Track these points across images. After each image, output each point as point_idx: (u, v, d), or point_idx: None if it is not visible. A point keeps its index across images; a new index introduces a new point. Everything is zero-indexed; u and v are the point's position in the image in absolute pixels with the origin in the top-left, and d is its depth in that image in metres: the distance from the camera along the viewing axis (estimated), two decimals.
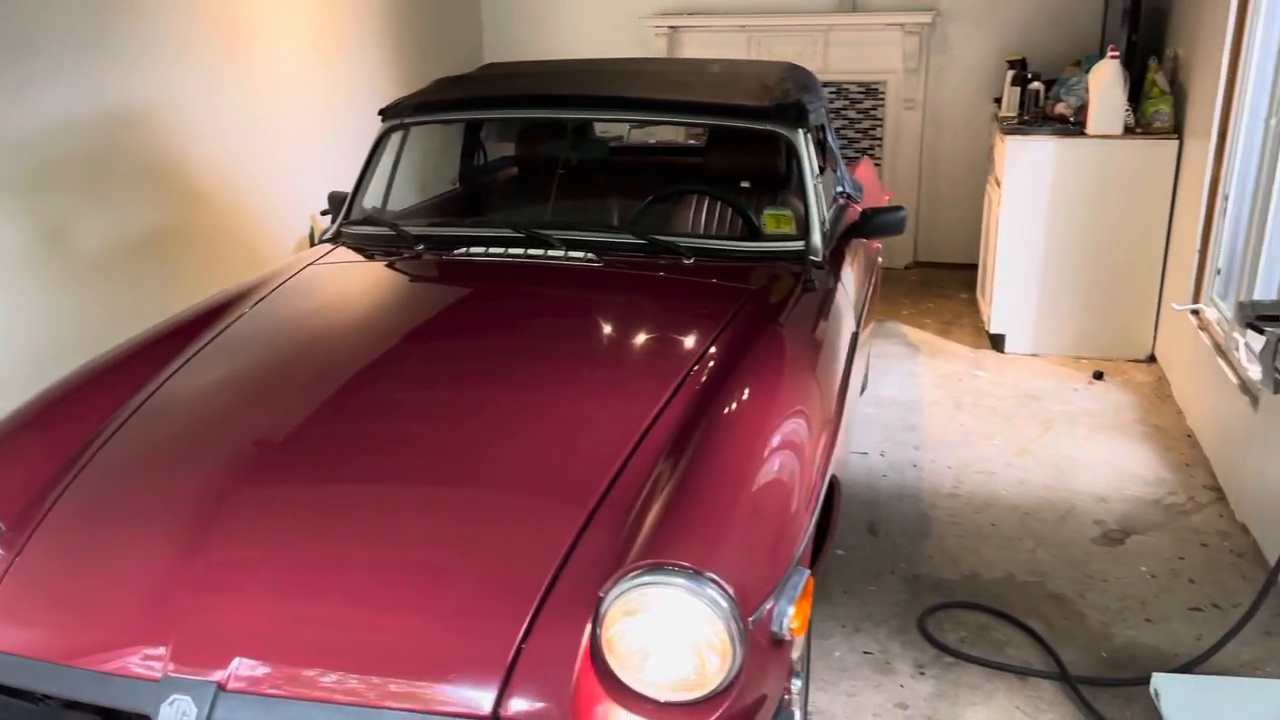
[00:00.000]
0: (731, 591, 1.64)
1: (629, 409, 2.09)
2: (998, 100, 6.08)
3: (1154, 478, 3.80)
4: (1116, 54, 4.68)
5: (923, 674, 2.73)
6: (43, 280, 3.75)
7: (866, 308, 3.46)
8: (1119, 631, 2.90)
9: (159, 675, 1.63)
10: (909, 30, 6.32)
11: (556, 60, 3.98)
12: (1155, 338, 4.94)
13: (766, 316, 2.52)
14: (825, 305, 2.74)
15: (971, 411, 4.44)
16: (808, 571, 1.83)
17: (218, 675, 1.62)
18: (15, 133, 3.59)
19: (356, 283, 2.87)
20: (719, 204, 3.46)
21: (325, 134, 5.39)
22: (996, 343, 5.15)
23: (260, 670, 1.63)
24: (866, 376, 4.62)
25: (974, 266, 5.82)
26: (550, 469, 1.95)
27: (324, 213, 5.33)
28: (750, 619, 1.66)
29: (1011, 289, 5.04)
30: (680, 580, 1.64)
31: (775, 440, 2.06)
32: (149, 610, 1.71)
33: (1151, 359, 4.95)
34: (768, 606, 1.71)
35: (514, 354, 2.37)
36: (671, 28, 6.73)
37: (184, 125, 4.40)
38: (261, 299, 2.72)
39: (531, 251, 2.84)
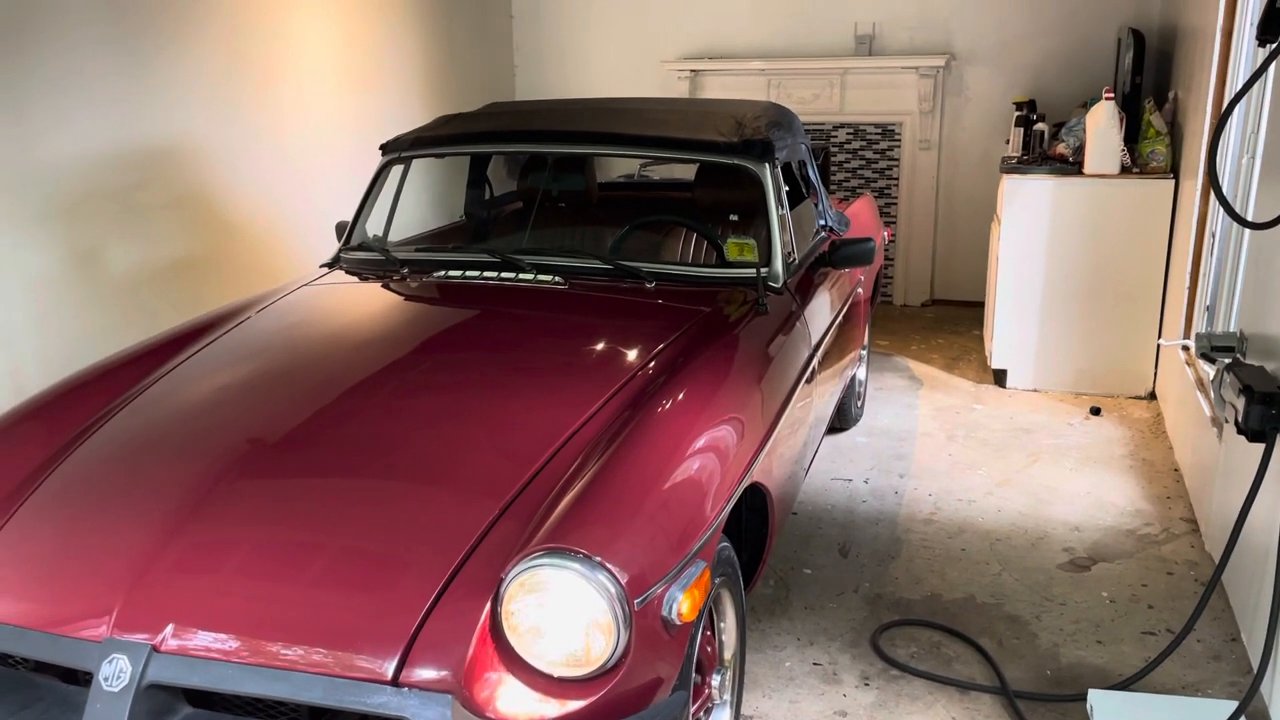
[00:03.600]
0: (621, 578, 1.78)
1: (562, 412, 2.26)
2: (1009, 141, 6.20)
3: (1132, 509, 3.84)
4: (1111, 95, 4.77)
5: (867, 685, 2.82)
6: (75, 301, 4.04)
7: (838, 336, 3.58)
8: (1068, 652, 2.96)
9: (102, 637, 1.82)
10: (924, 73, 6.46)
11: (555, 100, 4.20)
12: (1155, 374, 4.97)
13: (714, 334, 2.67)
14: (778, 328, 2.88)
15: (963, 443, 4.51)
16: (705, 564, 1.97)
17: (155, 639, 1.81)
18: (53, 164, 3.91)
19: (342, 301, 3.09)
20: (693, 235, 3.63)
21: (352, 172, 5.69)
22: (999, 378, 5.21)
23: (191, 635, 1.81)
24: (860, 407, 4.73)
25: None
26: (477, 466, 2.12)
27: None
28: (637, 601, 1.79)
29: (1012, 325, 5.11)
30: (575, 565, 1.78)
31: (698, 443, 2.20)
32: (104, 581, 1.91)
33: (1152, 396, 4.97)
34: (658, 592, 1.85)
35: (469, 365, 2.56)
36: (693, 71, 6.95)
37: (214, 159, 4.70)
38: (254, 313, 2.95)
39: (504, 275, 3.03)
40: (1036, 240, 4.97)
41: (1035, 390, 5.13)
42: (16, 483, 2.20)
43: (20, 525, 2.09)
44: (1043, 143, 5.37)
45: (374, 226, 3.60)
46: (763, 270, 3.07)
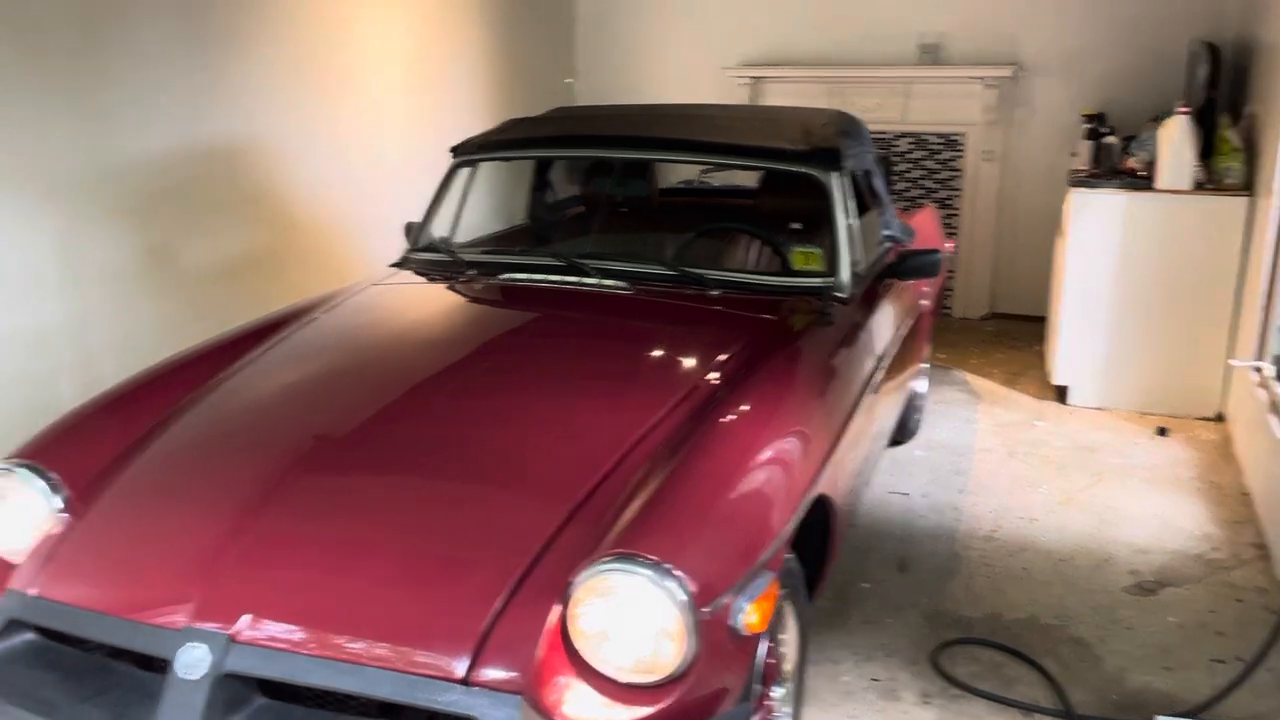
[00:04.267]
0: (690, 586, 1.78)
1: (629, 417, 2.26)
2: (1075, 154, 6.10)
3: (1200, 533, 3.75)
4: (1186, 109, 4.68)
5: (927, 703, 2.79)
6: (148, 295, 4.13)
7: (902, 349, 3.55)
8: (1134, 677, 2.90)
9: (180, 625, 1.85)
10: (989, 84, 6.39)
11: (620, 105, 4.22)
12: (1225, 396, 4.85)
13: (779, 343, 2.65)
14: (843, 339, 2.86)
15: (1024, 460, 4.44)
16: (772, 575, 1.95)
17: (231, 628, 1.84)
18: (129, 162, 4.00)
19: (409, 301, 3.12)
20: (758, 242, 3.62)
21: (418, 171, 5.75)
22: (1060, 394, 5.13)
23: (269, 627, 1.84)
24: (919, 421, 4.68)
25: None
26: (544, 469, 2.13)
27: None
28: (705, 610, 1.79)
29: (1076, 341, 5.02)
30: (645, 570, 1.78)
31: (765, 454, 2.19)
32: (181, 570, 1.94)
33: (1219, 417, 4.86)
34: (725, 601, 1.84)
35: (538, 368, 2.57)
36: (754, 78, 6.94)
37: (282, 157, 4.78)
38: (324, 311, 2.99)
39: (569, 278, 3.04)
40: (1104, 255, 4.89)
41: (1098, 408, 5.04)
42: (94, 474, 2.25)
43: (100, 514, 2.14)
44: (1112, 156, 5.28)
45: (440, 228, 3.64)
46: (829, 280, 3.05)
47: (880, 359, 3.12)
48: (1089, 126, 5.50)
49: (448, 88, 6.07)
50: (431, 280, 3.29)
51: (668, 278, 3.05)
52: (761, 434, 2.24)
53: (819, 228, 3.54)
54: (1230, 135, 4.72)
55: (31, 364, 3.70)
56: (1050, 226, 6.36)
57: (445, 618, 1.82)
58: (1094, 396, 5.05)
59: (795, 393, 2.46)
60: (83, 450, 2.30)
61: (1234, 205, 4.66)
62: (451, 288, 3.18)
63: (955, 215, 6.67)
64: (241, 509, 2.05)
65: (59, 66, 3.69)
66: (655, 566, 1.79)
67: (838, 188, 3.19)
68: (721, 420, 2.23)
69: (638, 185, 3.82)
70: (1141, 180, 4.87)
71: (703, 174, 6.08)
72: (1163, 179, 4.74)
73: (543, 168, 4.25)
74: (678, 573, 1.78)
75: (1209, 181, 4.74)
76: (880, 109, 6.68)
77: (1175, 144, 4.68)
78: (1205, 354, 4.84)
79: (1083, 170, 5.27)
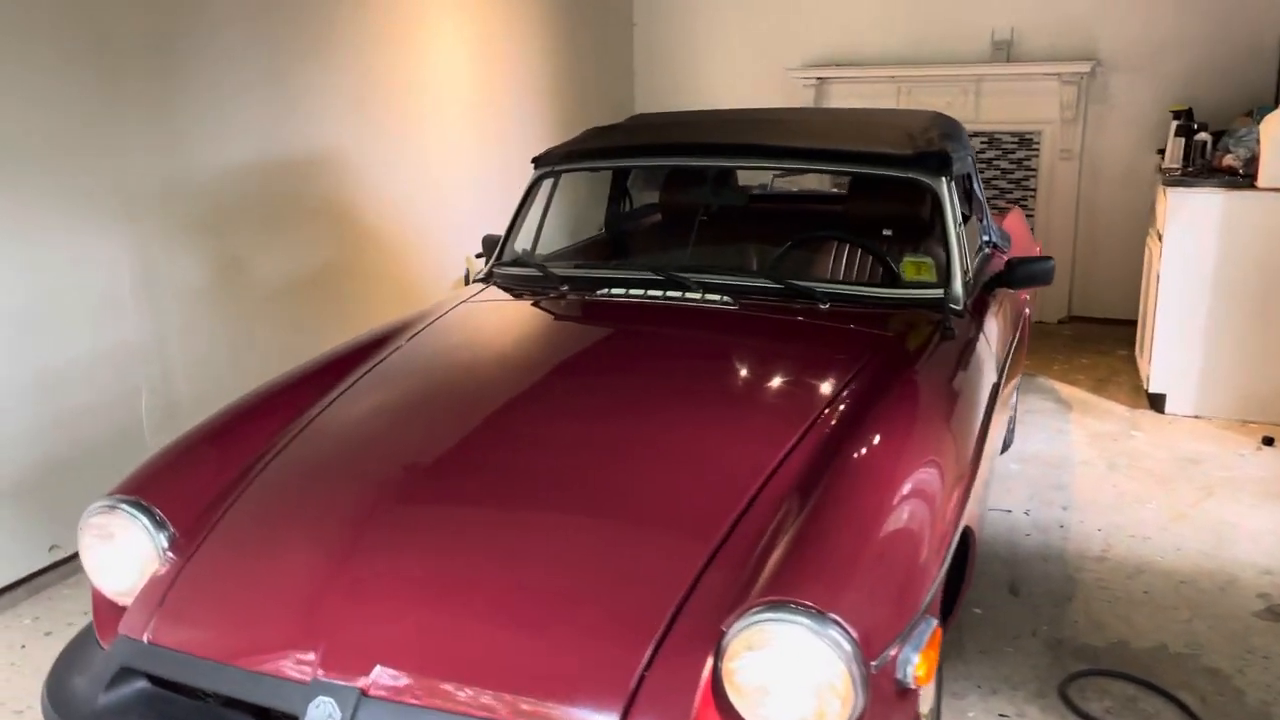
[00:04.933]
0: (855, 635, 1.64)
1: (757, 448, 2.12)
2: (1161, 151, 5.88)
3: None
4: None
5: None
6: (223, 309, 4.05)
7: (1010, 360, 3.38)
8: None
9: (308, 678, 1.74)
10: (1066, 80, 6.18)
11: (701, 111, 4.07)
12: None
13: (902, 363, 2.50)
14: (964, 355, 2.70)
15: (1126, 473, 4.25)
16: (935, 621, 1.80)
17: (361, 681, 1.72)
18: (202, 176, 3.93)
19: (504, 320, 3.00)
20: (858, 251, 3.47)
21: (483, 182, 5.66)
22: (1155, 402, 4.92)
23: (401, 680, 1.72)
24: (1012, 432, 4.49)
25: (1132, 322, 5.60)
26: (677, 504, 1.99)
27: (478, 255, 5.60)
28: (873, 664, 1.65)
29: (1173, 347, 4.81)
30: (804, 620, 1.64)
31: (906, 488, 2.04)
32: (302, 617, 1.83)
33: None
34: (891, 653, 1.70)
35: (648, 391, 2.43)
36: (819, 79, 6.78)
37: (351, 169, 4.70)
38: (416, 333, 2.88)
39: (670, 294, 2.91)
40: (1203, 257, 4.67)
41: (1197, 416, 4.83)
42: (198, 510, 2.15)
43: (209, 555, 2.04)
44: (1204, 153, 5.07)
45: (521, 240, 3.52)
46: (942, 292, 2.90)
47: (1000, 374, 2.96)
48: (1178, 123, 5.28)
49: (510, 95, 5.97)
50: (520, 297, 3.18)
51: (772, 291, 2.90)
52: (900, 466, 2.09)
53: (916, 235, 3.40)
54: None
55: (112, 386, 3.64)
56: (1131, 226, 6.16)
57: (590, 670, 1.69)
58: (1190, 404, 4.84)
59: (928, 419, 2.31)
60: (184, 485, 2.20)
61: None
62: (544, 305, 3.05)
63: (1030, 215, 6.46)
64: (359, 549, 1.94)
65: (135, 85, 3.62)
66: (814, 615, 1.65)
67: (947, 194, 3.03)
68: (857, 453, 2.08)
69: (731, 194, 3.68)
70: (1242, 179, 4.66)
71: (775, 179, 5.93)
72: (1265, 177, 4.53)
73: (621, 177, 4.12)
74: (840, 620, 1.64)
75: None
76: (951, 108, 6.48)
77: (1278, 140, 4.46)
78: None
79: (1175, 169, 5.07)
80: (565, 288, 3.09)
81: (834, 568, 1.77)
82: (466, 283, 5.58)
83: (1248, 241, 4.60)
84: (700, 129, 3.55)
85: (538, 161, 3.50)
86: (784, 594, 1.68)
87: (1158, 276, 4.84)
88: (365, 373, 2.65)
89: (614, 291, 2.98)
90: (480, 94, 5.68)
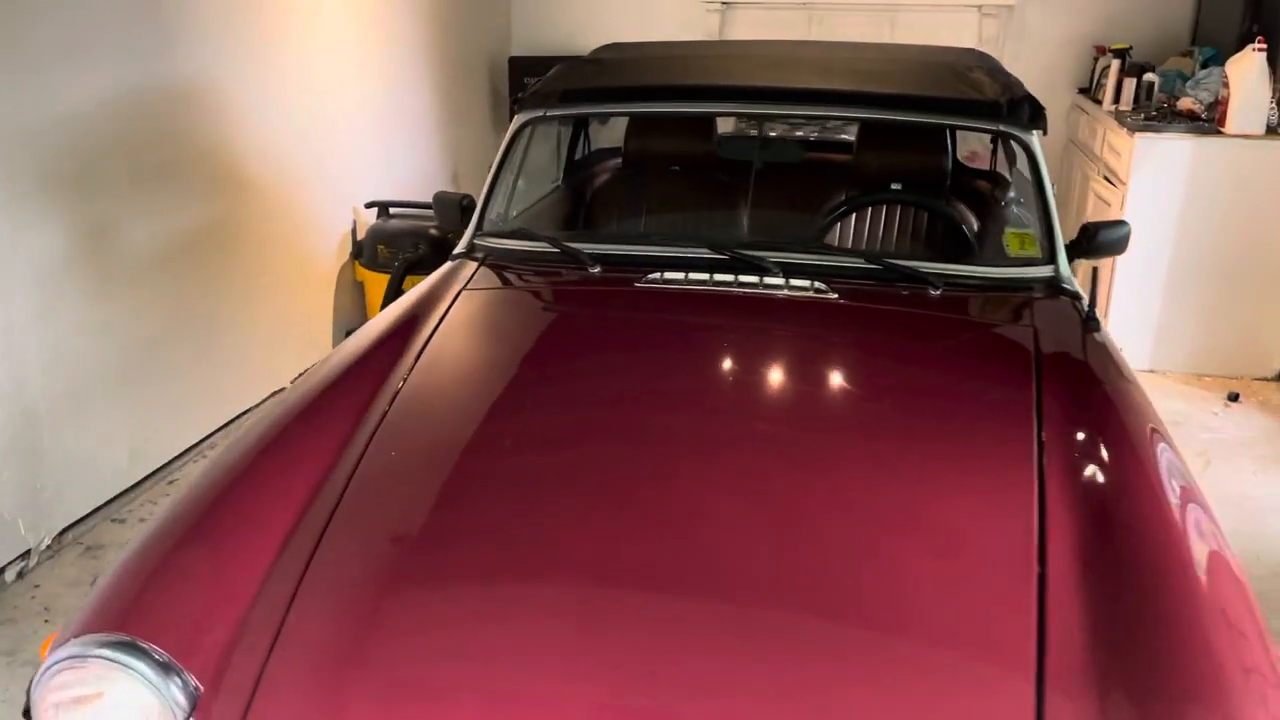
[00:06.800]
0: None
1: (1000, 515, 1.60)
2: (1083, 90, 5.71)
3: None
4: (1264, 46, 4.28)
5: None
6: (86, 288, 3.15)
7: None
8: None
9: None
10: (987, 13, 5.88)
11: (691, 43, 3.41)
12: None
13: (1080, 374, 2.04)
14: (1112, 348, 2.27)
15: None
16: None
17: None
18: (57, 121, 2.99)
19: (540, 318, 2.31)
20: (924, 217, 2.97)
21: (362, 121, 4.78)
22: None
23: None
24: None
25: None
26: (943, 604, 1.44)
27: (368, 206, 4.75)
28: None
29: (1131, 299, 4.64)
30: None
31: (1194, 538, 1.58)
32: None
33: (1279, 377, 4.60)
34: None
35: (795, 431, 1.84)
36: (724, 3, 6.20)
37: (229, 106, 3.79)
38: (423, 349, 2.10)
39: (743, 279, 2.31)
40: (1165, 206, 4.49)
41: (1152, 370, 4.69)
42: (218, 649, 1.42)
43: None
44: (1150, 95, 4.88)
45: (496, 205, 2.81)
46: (1050, 269, 2.46)
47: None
48: (1118, 62, 5.07)
49: (387, 32, 5.06)
50: (523, 278, 2.50)
51: (862, 272, 2.36)
52: (1174, 510, 1.63)
53: (980, 199, 2.95)
54: None
55: None
56: (1051, 166, 5.98)
57: None
58: (1147, 359, 4.70)
59: (1154, 440, 1.85)
60: (181, 614, 1.45)
61: None
62: (580, 295, 2.38)
63: None
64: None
65: None
66: None
67: (1040, 149, 2.58)
68: (1127, 512, 1.60)
69: (786, 149, 3.07)
70: (1206, 124, 4.48)
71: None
72: (1234, 122, 4.36)
73: (580, 121, 3.44)
74: None
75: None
76: (863, 40, 6.07)
77: (1251, 83, 4.29)
78: (1267, 310, 4.54)
79: (1127, 112, 4.86)
80: (597, 269, 2.42)
81: (1212, 681, 1.30)
82: (354, 239, 4.72)
83: (1214, 190, 4.44)
84: (725, 67, 2.89)
85: (521, 103, 2.79)
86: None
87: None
88: (383, 416, 1.88)
89: (668, 276, 2.34)
90: (355, 28, 4.76)
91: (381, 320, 2.29)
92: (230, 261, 3.83)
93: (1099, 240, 2.75)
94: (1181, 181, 4.45)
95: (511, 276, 2.52)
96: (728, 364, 2.10)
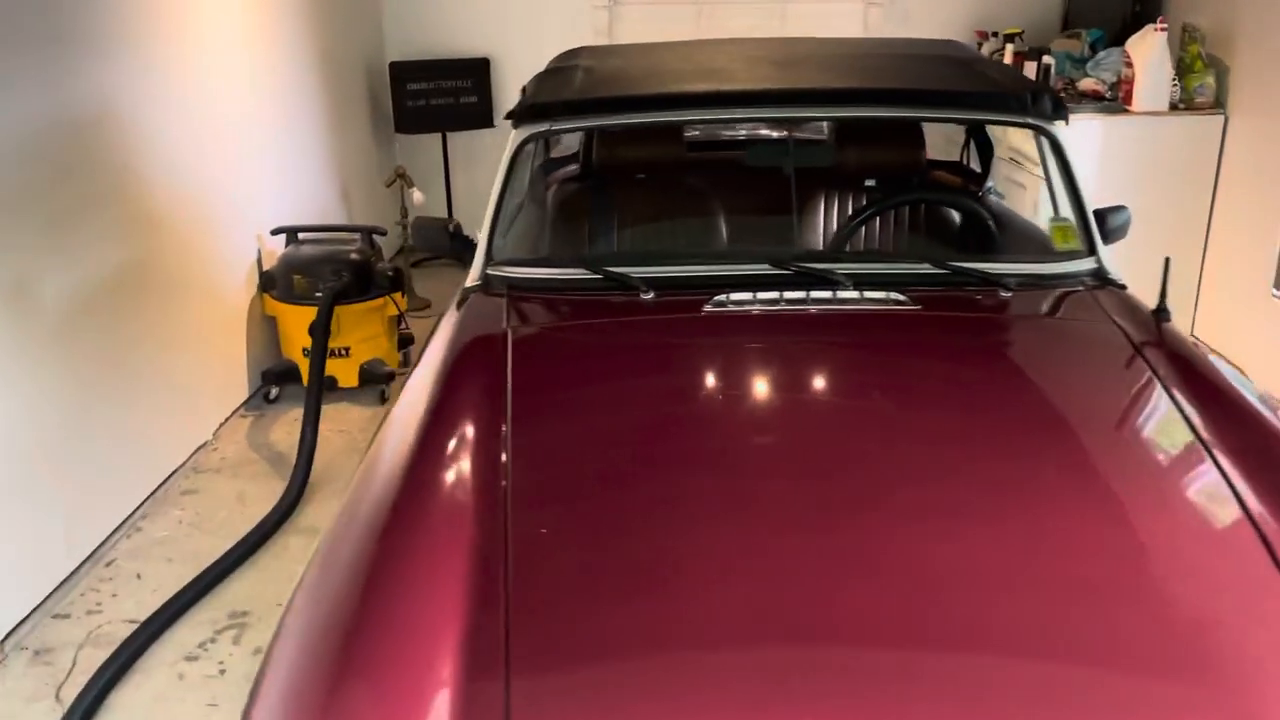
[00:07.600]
0: None
1: (1218, 534, 1.52)
2: None
3: None
4: (1165, 26, 4.47)
5: None
6: (2, 361, 2.69)
7: None
8: None
9: None
10: (872, 2, 5.95)
11: (672, 44, 3.14)
12: (1193, 324, 4.82)
13: (1189, 369, 2.00)
14: (1185, 338, 2.27)
15: None
16: None
17: None
18: None
19: (622, 361, 2.03)
20: (949, 214, 2.90)
21: (254, 138, 4.35)
22: None
23: None
24: None
25: None
26: (1217, 648, 1.33)
27: (274, 232, 4.33)
28: None
29: None
30: None
31: None
32: None
33: None
34: None
35: (976, 456, 1.69)
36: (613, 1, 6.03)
37: (139, 139, 3.36)
38: (510, 419, 1.78)
39: (814, 294, 2.17)
40: (1082, 185, 4.62)
41: None
42: None
43: None
44: (1047, 77, 5.04)
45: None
46: (1093, 262, 2.44)
47: None
48: (1019, 49, 5.21)
49: (271, 42, 4.64)
50: (574, 314, 2.27)
51: (927, 277, 2.26)
52: None
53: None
54: (1202, 51, 4.58)
55: None
56: (937, 151, 6.11)
57: None
58: None
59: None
60: None
61: (1209, 124, 4.55)
62: (642, 328, 2.15)
63: None
64: None
65: None
66: None
67: (1065, 141, 2.55)
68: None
69: (817, 152, 2.91)
70: (1111, 104, 4.65)
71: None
72: (1140, 100, 4.54)
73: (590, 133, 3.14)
74: None
75: (1180, 101, 4.60)
76: (756, 32, 6.02)
77: (1154, 62, 4.47)
78: (1178, 281, 4.76)
79: None
80: (650, 294, 2.21)
81: None
82: (261, 270, 4.28)
83: (1124, 167, 4.61)
84: (733, 69, 2.71)
85: (518, 117, 2.54)
86: None
87: (1034, 205, 4.76)
88: (503, 503, 1.61)
89: (735, 298, 2.17)
90: (252, 35, 4.34)
91: (424, 390, 1.97)
92: (145, 306, 3.40)
93: (1109, 226, 2.77)
94: (1094, 159, 4.59)
95: (551, 313, 2.28)
96: (859, 389, 1.96)
